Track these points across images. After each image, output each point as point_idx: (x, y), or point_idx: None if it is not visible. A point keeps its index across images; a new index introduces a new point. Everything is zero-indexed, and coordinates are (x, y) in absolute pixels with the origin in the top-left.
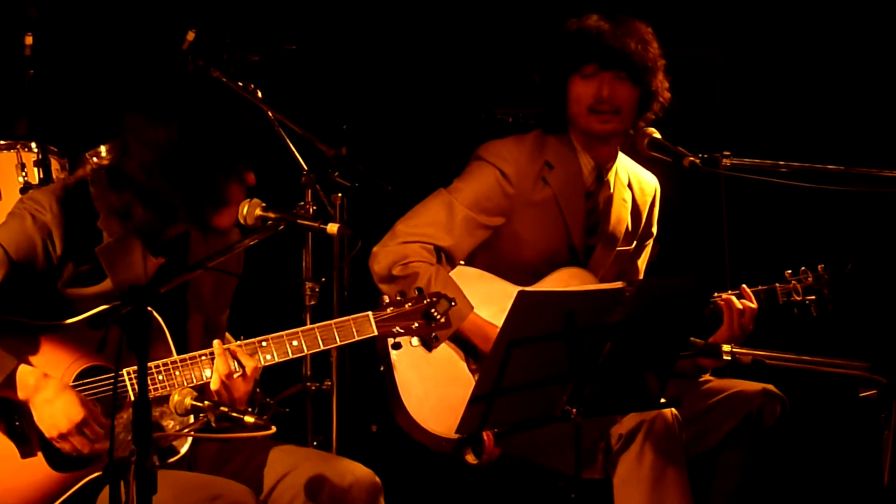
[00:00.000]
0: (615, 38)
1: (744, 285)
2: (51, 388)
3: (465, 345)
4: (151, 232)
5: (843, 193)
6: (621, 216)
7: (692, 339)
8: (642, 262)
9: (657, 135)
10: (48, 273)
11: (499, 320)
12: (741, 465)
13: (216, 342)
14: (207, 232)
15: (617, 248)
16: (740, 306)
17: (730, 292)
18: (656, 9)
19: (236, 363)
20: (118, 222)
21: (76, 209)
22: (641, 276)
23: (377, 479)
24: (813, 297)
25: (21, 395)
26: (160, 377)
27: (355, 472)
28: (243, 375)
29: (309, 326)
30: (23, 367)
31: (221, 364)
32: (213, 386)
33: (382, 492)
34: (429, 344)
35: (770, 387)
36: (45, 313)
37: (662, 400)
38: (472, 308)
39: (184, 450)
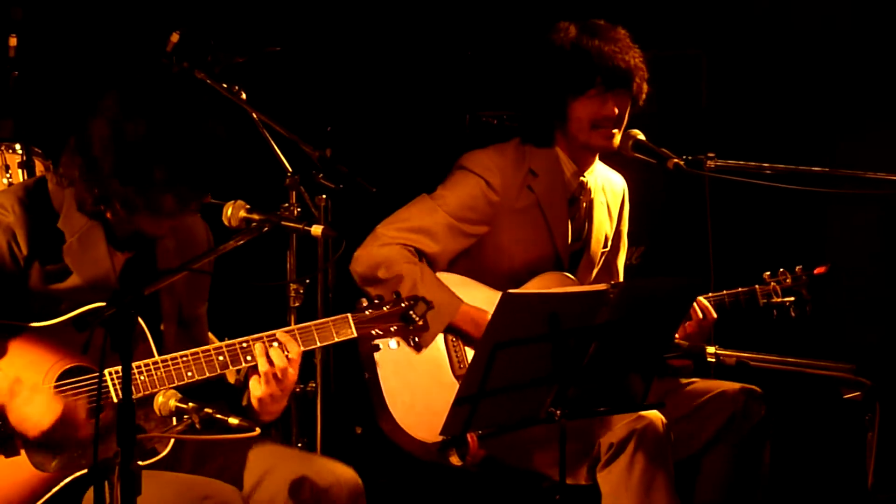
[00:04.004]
0: (621, 59)
1: (700, 297)
2: (25, 390)
3: (454, 340)
4: (90, 212)
5: (828, 195)
6: (602, 220)
7: (677, 340)
8: (620, 262)
9: (641, 136)
10: (17, 274)
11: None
12: (726, 466)
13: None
14: (137, 230)
15: (601, 251)
16: (700, 315)
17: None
18: (639, 10)
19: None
20: (78, 219)
21: (37, 209)
22: (620, 275)
23: (358, 478)
24: (792, 299)
25: None
26: (141, 378)
27: (336, 471)
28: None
29: (289, 328)
30: None
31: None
32: (259, 391)
33: (363, 491)
34: (416, 346)
35: (753, 387)
36: (22, 314)
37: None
38: (462, 301)
39: (165, 451)
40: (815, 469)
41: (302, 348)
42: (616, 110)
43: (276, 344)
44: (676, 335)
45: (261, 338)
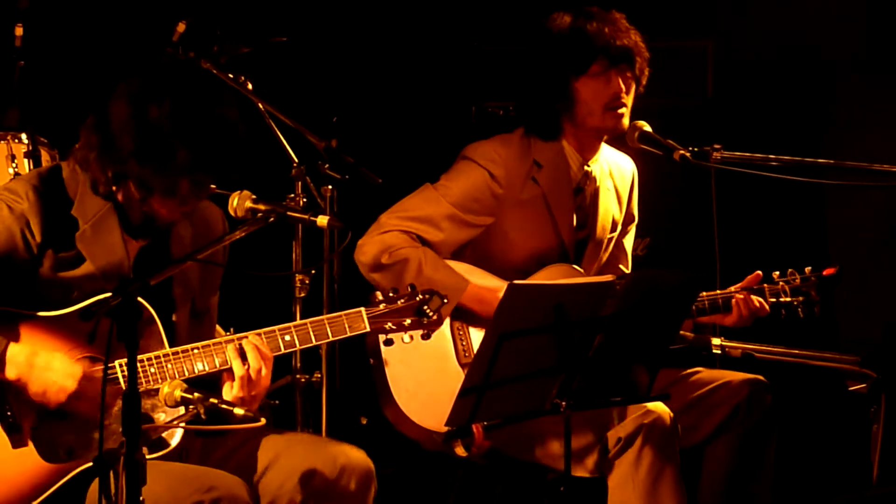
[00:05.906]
0: (623, 36)
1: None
2: (42, 357)
3: (460, 329)
4: (103, 194)
5: (834, 186)
6: (608, 206)
7: (682, 332)
8: (628, 242)
9: (647, 128)
10: (30, 261)
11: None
12: (731, 457)
13: (230, 346)
14: (149, 213)
15: (608, 236)
16: (757, 304)
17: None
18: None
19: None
20: (92, 206)
21: (51, 196)
22: (629, 256)
23: (369, 461)
24: (801, 299)
25: (12, 373)
26: (152, 370)
27: (348, 454)
28: (264, 369)
29: (301, 322)
30: (12, 345)
31: (241, 365)
32: (236, 392)
33: (375, 474)
34: (426, 334)
35: (758, 377)
36: (35, 301)
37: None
38: (469, 282)
39: (174, 443)
40: (819, 461)
41: (300, 346)
42: (622, 86)
43: (249, 346)
44: (733, 320)
45: (259, 334)
